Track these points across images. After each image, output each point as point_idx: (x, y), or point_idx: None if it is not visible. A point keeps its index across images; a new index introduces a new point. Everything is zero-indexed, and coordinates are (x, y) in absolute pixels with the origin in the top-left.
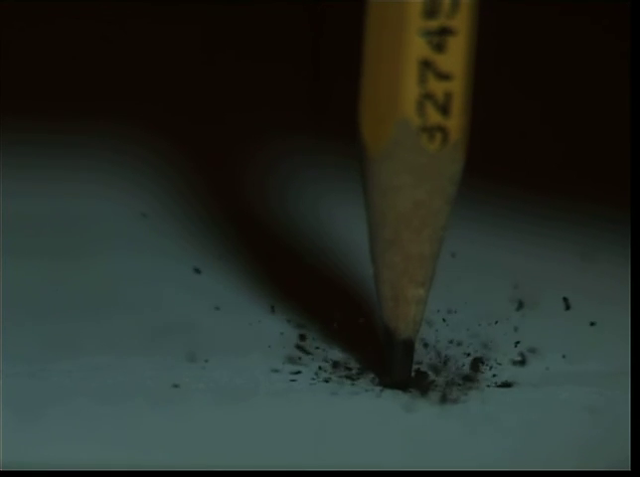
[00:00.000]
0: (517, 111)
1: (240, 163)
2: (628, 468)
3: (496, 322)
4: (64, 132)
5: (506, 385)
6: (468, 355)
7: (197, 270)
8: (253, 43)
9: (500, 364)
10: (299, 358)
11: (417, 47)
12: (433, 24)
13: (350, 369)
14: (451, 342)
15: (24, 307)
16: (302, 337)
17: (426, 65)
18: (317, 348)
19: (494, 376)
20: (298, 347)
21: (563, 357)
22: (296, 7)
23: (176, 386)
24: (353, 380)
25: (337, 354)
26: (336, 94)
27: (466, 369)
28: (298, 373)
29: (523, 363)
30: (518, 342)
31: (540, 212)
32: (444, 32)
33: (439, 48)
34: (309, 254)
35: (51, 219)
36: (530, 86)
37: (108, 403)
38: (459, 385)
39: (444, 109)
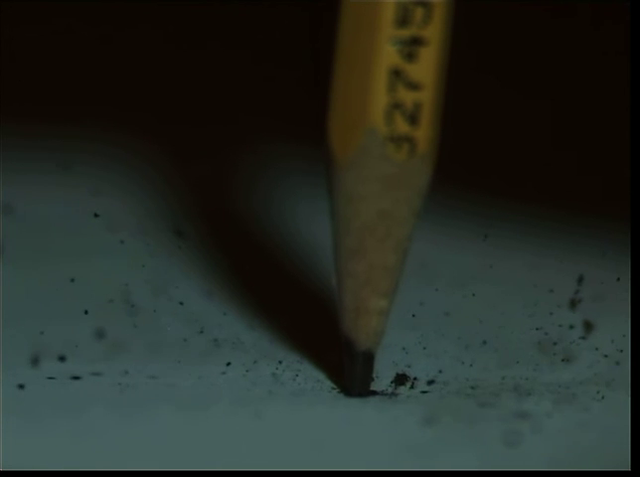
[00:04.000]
0: (513, 117)
1: (227, 167)
2: (628, 468)
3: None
4: (49, 136)
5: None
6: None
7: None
8: (252, 45)
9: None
10: (256, 364)
11: (388, 55)
12: (405, 33)
13: (312, 378)
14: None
15: None
16: (269, 345)
17: (396, 74)
18: (281, 355)
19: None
20: (260, 354)
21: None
22: (296, 9)
23: (138, 393)
24: (312, 388)
25: (297, 362)
26: None
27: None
28: (260, 380)
29: None
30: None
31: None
32: (416, 42)
33: (410, 57)
34: (287, 261)
35: (41, 223)
36: (527, 90)
37: (70, 412)
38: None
39: (413, 119)
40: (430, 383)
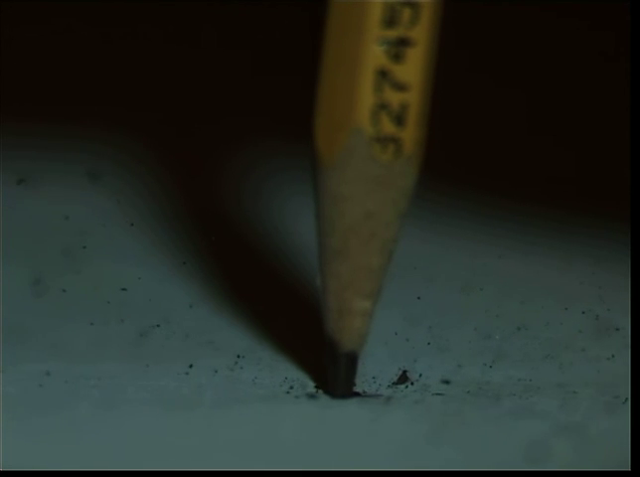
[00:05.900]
0: (512, 117)
1: (218, 166)
2: (628, 468)
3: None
4: (48, 136)
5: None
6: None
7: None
8: (252, 45)
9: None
10: (242, 366)
11: (375, 56)
12: (392, 34)
13: (293, 379)
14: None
15: None
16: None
17: (383, 74)
18: (262, 357)
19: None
20: (241, 355)
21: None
22: (296, 9)
23: (121, 393)
24: (292, 389)
25: (276, 361)
26: None
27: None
28: (242, 381)
29: None
30: None
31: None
32: (403, 42)
33: (397, 58)
34: (272, 259)
35: (38, 223)
36: (527, 91)
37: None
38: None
39: (399, 120)
40: (445, 382)
